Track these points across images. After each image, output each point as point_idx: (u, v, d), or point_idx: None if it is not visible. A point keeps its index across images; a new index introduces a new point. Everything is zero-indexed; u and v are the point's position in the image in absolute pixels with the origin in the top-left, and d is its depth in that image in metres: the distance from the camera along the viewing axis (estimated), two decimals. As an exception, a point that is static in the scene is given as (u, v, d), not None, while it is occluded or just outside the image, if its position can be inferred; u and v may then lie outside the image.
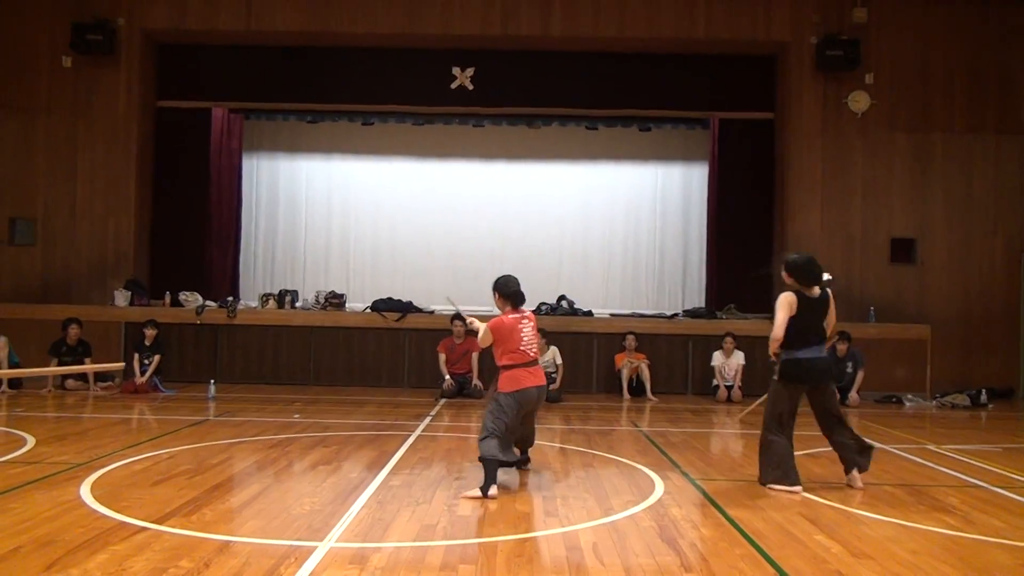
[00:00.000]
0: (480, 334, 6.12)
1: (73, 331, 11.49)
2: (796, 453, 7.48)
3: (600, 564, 4.21)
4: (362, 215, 15.01)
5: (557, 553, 4.38)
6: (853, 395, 11.59)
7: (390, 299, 13.17)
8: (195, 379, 12.31)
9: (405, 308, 12.98)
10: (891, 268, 13.29)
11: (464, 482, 6.03)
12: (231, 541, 4.48)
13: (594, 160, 15.08)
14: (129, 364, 11.58)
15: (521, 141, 14.95)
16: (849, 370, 11.76)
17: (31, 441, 7.36)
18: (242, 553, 4.28)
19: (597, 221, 14.98)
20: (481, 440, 5.77)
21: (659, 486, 6.07)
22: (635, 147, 14.92)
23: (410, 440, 7.86)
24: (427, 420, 9.30)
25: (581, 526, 4.94)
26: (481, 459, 5.68)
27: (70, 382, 11.45)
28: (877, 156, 13.34)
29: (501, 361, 6.02)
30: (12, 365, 11.29)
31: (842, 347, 11.71)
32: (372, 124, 14.72)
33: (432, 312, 13.17)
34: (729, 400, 11.79)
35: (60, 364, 11.43)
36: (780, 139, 13.72)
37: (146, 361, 11.54)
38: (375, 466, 6.57)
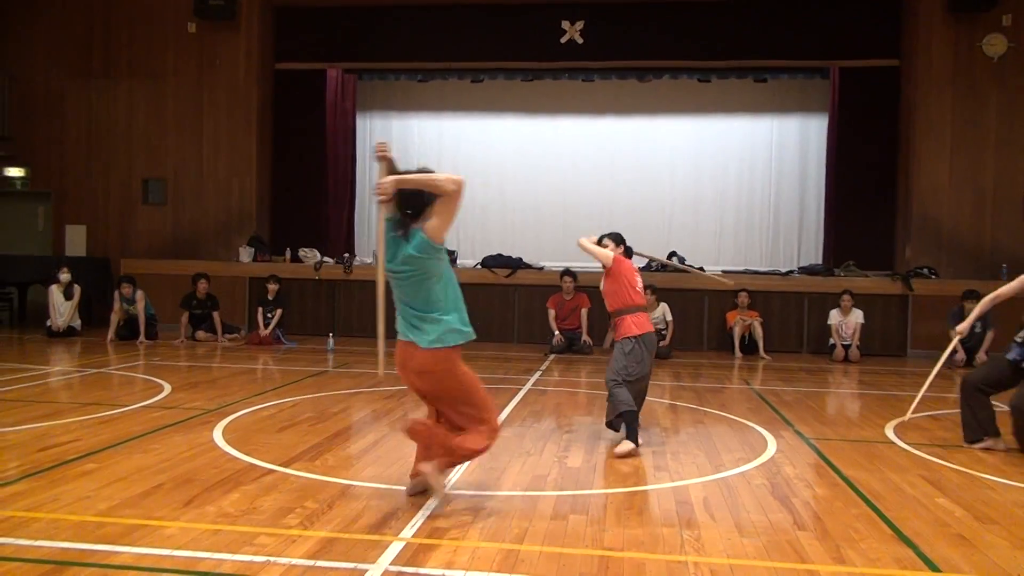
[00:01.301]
0: (604, 254, 5.89)
1: (202, 285, 12.11)
2: (919, 414, 7.26)
3: (711, 519, 4.21)
4: (472, 172, 15.04)
5: (667, 507, 4.41)
6: (981, 355, 11.05)
7: (500, 255, 13.29)
8: (315, 332, 12.80)
9: (515, 264, 13.08)
10: (1026, 223, 12.52)
11: (573, 435, 6.11)
12: (352, 485, 4.70)
13: (707, 113, 14.73)
14: (253, 317, 12.18)
15: (631, 95, 14.72)
16: (978, 330, 11.20)
17: (167, 388, 7.85)
18: (362, 496, 4.48)
19: (709, 176, 14.66)
20: (616, 400, 5.66)
21: (771, 444, 5.99)
22: (750, 99, 14.47)
23: (520, 394, 7.99)
24: (537, 375, 9.42)
25: (691, 481, 4.94)
26: (620, 413, 5.63)
27: (200, 333, 12.10)
28: (1014, 103, 12.51)
29: (615, 305, 5.87)
30: (147, 317, 12.00)
31: (971, 306, 11.15)
32: (482, 81, 14.77)
33: (542, 268, 13.25)
34: (847, 360, 11.44)
35: (190, 316, 12.11)
36: (906, 87, 13.04)
37: (269, 315, 12.08)
38: (487, 418, 6.71)
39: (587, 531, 3.98)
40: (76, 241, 14.45)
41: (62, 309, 12.21)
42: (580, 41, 13.72)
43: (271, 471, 4.93)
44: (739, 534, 3.99)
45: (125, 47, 14.29)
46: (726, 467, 5.30)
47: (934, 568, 3.61)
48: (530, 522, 4.09)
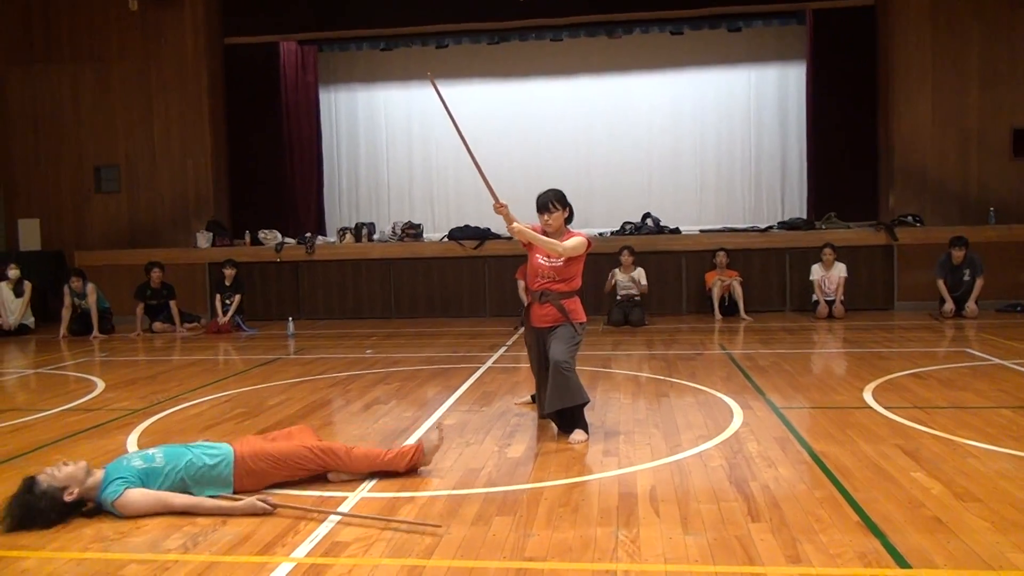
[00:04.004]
0: (573, 244, 5.12)
1: (155, 275, 11.57)
2: (900, 373, 6.83)
3: (654, 514, 3.72)
4: (443, 141, 14.50)
5: (608, 501, 3.91)
6: (971, 305, 10.56)
7: (467, 227, 12.74)
8: (279, 317, 12.28)
9: (483, 235, 12.53)
10: (1014, 164, 11.94)
11: (523, 419, 5.62)
12: (255, 493, 4.19)
13: (681, 67, 14.12)
14: (212, 304, 11.70)
15: (602, 52, 14.10)
16: (967, 278, 10.70)
17: (100, 387, 7.35)
18: (266, 506, 3.98)
19: (687, 133, 14.08)
20: (577, 386, 5.07)
21: (738, 417, 5.50)
22: (725, 50, 13.84)
23: (478, 373, 7.49)
24: (501, 351, 8.91)
25: (641, 467, 4.45)
26: (580, 405, 5.10)
27: (157, 324, 11.59)
28: (997, 38, 11.90)
29: (575, 283, 5.23)
30: (101, 310, 11.50)
31: (958, 253, 10.65)
32: (446, 47, 14.10)
33: (511, 238, 12.65)
34: (831, 316, 10.94)
35: (146, 307, 11.60)
36: (883, 27, 12.41)
37: (227, 301, 11.55)
38: (433, 403, 6.23)
39: (510, 537, 3.48)
40: (30, 235, 13.88)
41: (12, 307, 11.69)
42: (543, -4, 13.07)
43: (173, 481, 4.42)
44: (683, 531, 3.50)
45: (66, 30, 13.62)
46: (683, 447, 4.81)
47: (903, 563, 3.12)
48: (447, 529, 3.60)
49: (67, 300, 11.43)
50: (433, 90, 5.52)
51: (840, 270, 11.09)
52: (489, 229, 12.72)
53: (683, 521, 3.62)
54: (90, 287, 11.44)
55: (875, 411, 5.58)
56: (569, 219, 5.31)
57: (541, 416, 5.35)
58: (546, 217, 5.22)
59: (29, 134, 13.79)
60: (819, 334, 9.75)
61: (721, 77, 14.08)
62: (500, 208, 5.16)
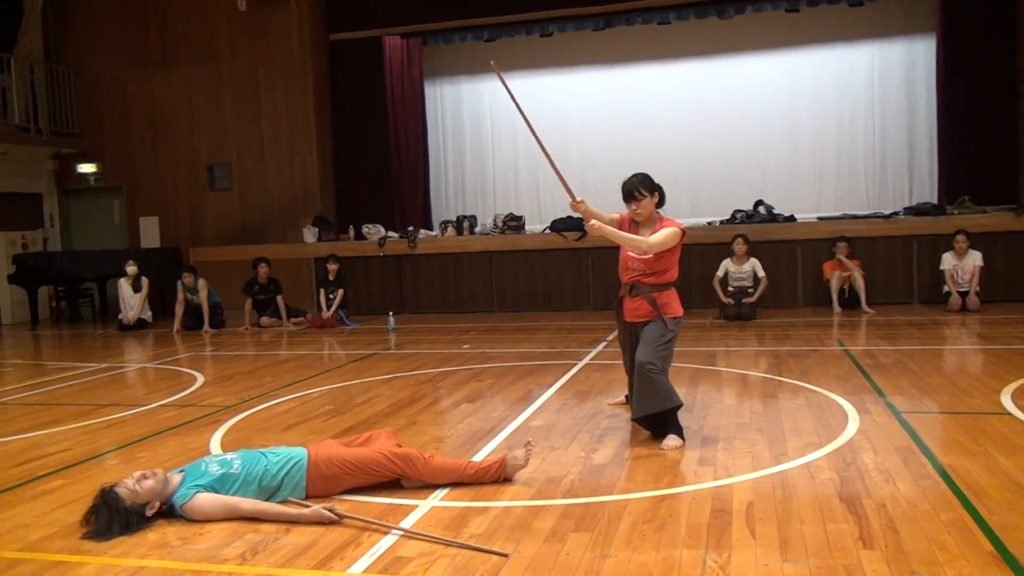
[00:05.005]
0: (661, 238, 4.72)
1: (263, 270, 11.75)
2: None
3: (749, 535, 3.31)
4: (548, 131, 13.74)
5: (698, 518, 3.52)
6: None
7: (569, 218, 12.38)
8: (382, 311, 12.25)
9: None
10: None
11: (614, 420, 5.27)
12: (324, 500, 4.01)
13: (798, 47, 13.33)
14: (316, 299, 11.81)
15: (713, 35, 13.47)
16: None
17: (199, 381, 7.42)
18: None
19: (804, 114, 13.29)
20: (665, 389, 4.66)
21: (853, 422, 4.98)
22: (845, 26, 12.99)
23: (573, 371, 7.15)
24: (601, 346, 8.54)
25: (739, 479, 4.03)
26: (671, 409, 4.69)
27: (264, 319, 11.77)
28: None
29: (669, 276, 4.85)
30: (212, 305, 11.76)
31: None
32: (551, 35, 13.78)
33: (615, 229, 12.25)
34: (964, 308, 10.05)
35: (254, 302, 11.80)
36: (1025, -8, 11.34)
37: (331, 296, 11.62)
38: (522, 403, 5.94)
39: (584, 558, 3.16)
40: (150, 232, 14.42)
41: (131, 302, 12.12)
42: (650, -23, 12.58)
43: (246, 483, 4.30)
44: (782, 557, 3.09)
45: (180, 32, 14.05)
46: (788, 456, 4.35)
47: (1046, 607, 2.64)
48: (517, 545, 3.31)
49: (180, 295, 11.75)
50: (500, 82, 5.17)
51: (975, 259, 10.17)
52: (593, 220, 12.32)
53: (782, 545, 3.20)
54: (201, 283, 11.72)
55: (1016, 418, 4.95)
56: (660, 203, 4.91)
57: (633, 419, 4.98)
58: (633, 206, 4.85)
59: (148, 134, 14.30)
60: (951, 329, 8.95)
61: (841, 55, 13.23)
62: (578, 205, 4.84)
